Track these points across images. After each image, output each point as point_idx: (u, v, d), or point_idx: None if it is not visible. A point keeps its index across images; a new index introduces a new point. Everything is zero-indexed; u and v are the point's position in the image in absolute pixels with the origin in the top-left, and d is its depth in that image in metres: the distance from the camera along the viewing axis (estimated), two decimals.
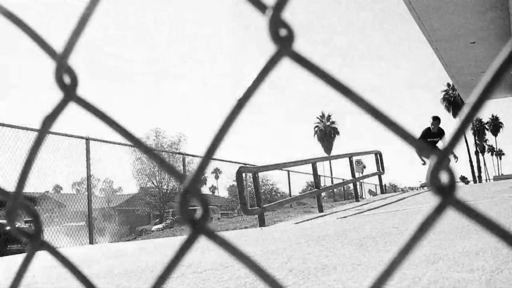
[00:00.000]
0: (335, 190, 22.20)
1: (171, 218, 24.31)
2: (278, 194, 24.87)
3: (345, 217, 5.89)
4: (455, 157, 10.37)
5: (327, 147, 68.59)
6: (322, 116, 71.89)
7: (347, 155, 11.35)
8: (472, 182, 57.86)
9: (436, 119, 10.01)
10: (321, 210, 8.00)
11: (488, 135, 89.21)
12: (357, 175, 12.99)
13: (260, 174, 10.03)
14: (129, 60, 40.53)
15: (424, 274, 1.70)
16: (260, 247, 3.11)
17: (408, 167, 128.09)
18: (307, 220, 6.46)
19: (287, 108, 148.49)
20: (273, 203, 8.50)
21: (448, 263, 1.86)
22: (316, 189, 8.84)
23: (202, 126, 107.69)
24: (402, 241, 0.33)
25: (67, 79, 0.47)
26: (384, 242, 2.74)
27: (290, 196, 15.60)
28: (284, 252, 2.75)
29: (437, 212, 0.32)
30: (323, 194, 15.04)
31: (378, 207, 7.24)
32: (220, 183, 49.80)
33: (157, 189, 26.04)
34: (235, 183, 8.85)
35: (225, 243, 0.38)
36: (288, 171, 16.16)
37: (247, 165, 9.69)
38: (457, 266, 1.78)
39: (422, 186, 11.71)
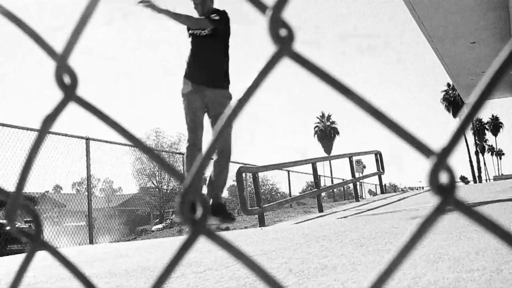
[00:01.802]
0: (335, 190, 22.21)
1: (171, 218, 24.28)
2: (278, 194, 24.86)
3: (345, 217, 5.90)
4: None
5: (327, 147, 68.63)
6: (322, 116, 71.91)
7: (347, 155, 11.36)
8: (472, 182, 57.88)
9: None
10: (321, 210, 8.00)
11: (488, 135, 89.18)
12: (357, 175, 12.99)
13: (260, 174, 10.04)
14: (129, 60, 40.03)
15: (424, 274, 1.70)
16: (260, 247, 3.11)
17: (408, 167, 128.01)
18: (307, 220, 6.47)
19: (287, 108, 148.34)
20: (273, 203, 8.50)
21: (448, 263, 1.86)
22: (316, 189, 8.84)
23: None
24: (402, 241, 0.33)
25: (67, 79, 0.47)
26: (384, 242, 2.74)
27: (290, 196, 15.60)
28: (284, 252, 2.75)
29: (437, 212, 0.32)
30: (323, 194, 15.04)
31: (378, 207, 7.24)
32: None
33: (157, 189, 26.03)
34: (235, 183, 8.86)
35: (225, 243, 0.38)
36: (288, 171, 16.16)
37: (247, 165, 9.70)
38: (457, 266, 1.78)
39: None
